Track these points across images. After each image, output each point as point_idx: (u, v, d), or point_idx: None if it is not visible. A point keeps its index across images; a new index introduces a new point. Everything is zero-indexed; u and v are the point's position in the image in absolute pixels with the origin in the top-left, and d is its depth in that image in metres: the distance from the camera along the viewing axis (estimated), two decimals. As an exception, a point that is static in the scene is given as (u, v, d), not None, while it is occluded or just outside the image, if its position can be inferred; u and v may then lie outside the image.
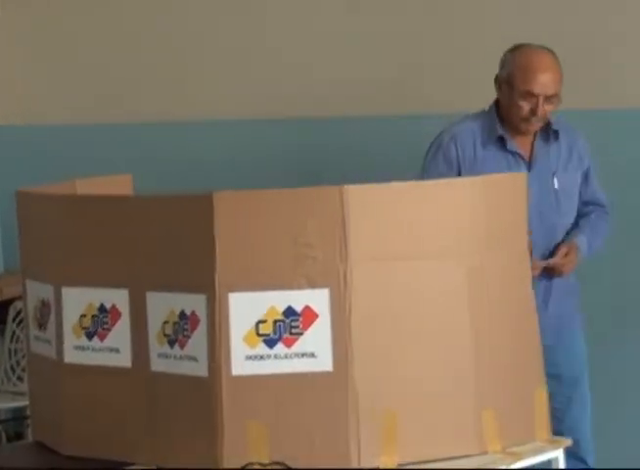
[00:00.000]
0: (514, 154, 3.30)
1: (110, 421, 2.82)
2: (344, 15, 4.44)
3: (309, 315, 2.55)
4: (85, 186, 3.23)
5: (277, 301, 2.54)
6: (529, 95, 3.23)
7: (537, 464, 2.66)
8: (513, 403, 2.60)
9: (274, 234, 2.55)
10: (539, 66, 3.27)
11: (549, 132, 3.34)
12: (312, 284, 2.52)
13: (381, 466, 2.51)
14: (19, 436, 3.70)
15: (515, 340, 2.64)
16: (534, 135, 3.34)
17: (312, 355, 2.55)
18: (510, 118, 3.30)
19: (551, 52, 3.31)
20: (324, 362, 2.54)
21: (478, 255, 2.59)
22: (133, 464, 2.76)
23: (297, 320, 2.53)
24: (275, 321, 2.54)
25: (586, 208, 3.47)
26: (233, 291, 2.56)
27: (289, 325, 2.54)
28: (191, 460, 2.62)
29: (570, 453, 3.07)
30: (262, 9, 4.51)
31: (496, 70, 3.45)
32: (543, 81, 3.25)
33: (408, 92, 4.37)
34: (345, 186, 2.51)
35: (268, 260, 2.56)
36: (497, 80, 3.30)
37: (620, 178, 3.94)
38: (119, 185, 3.37)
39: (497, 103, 3.34)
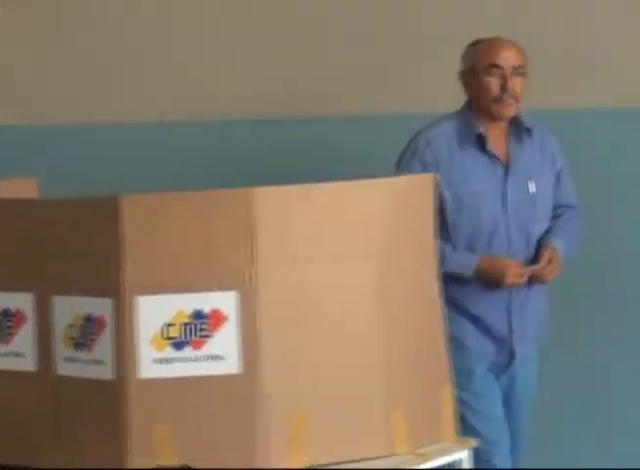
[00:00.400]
0: (491, 156, 3.24)
1: (14, 426, 2.80)
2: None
3: (217, 318, 2.56)
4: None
5: (185, 303, 2.56)
6: (495, 68, 3.22)
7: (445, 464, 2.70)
8: (421, 404, 2.64)
9: (182, 237, 2.56)
10: (500, 43, 3.27)
11: (521, 131, 3.29)
12: (220, 286, 2.53)
13: (289, 467, 2.54)
14: None
15: (421, 340, 2.69)
16: (507, 136, 3.29)
17: (220, 358, 2.56)
18: (482, 106, 3.26)
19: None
20: (232, 365, 2.56)
21: (385, 256, 2.62)
22: (33, 463, 2.75)
23: (206, 323, 2.55)
24: (183, 324, 2.55)
25: (559, 209, 3.40)
26: (140, 294, 2.57)
27: (197, 328, 2.55)
28: (98, 463, 2.63)
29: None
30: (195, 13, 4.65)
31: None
32: (506, 54, 3.23)
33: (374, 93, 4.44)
34: (254, 188, 2.53)
35: (176, 263, 2.57)
36: (462, 76, 3.29)
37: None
38: (24, 189, 3.34)
39: (469, 105, 3.32)
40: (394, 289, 2.61)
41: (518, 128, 3.28)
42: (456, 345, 2.99)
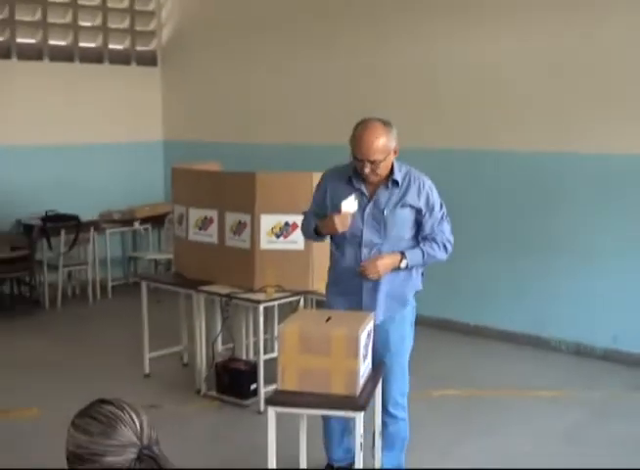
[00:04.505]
0: (357, 190, 3.75)
1: (205, 265, 5.13)
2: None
3: (294, 226, 4.86)
4: (199, 166, 5.61)
5: (282, 219, 4.87)
6: (357, 159, 3.66)
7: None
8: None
9: (284, 192, 4.77)
10: (360, 139, 3.64)
11: (389, 181, 3.76)
12: (297, 212, 4.64)
13: (322, 289, 4.40)
14: (169, 269, 5.95)
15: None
16: (384, 182, 3.75)
17: (295, 242, 4.88)
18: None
19: (380, 124, 3.67)
20: (300, 245, 4.88)
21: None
22: (212, 282, 4.99)
23: (289, 227, 4.87)
24: (280, 227, 4.87)
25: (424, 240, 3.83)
26: (262, 213, 4.87)
27: (285, 229, 4.88)
28: (240, 283, 4.85)
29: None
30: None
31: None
32: (362, 151, 3.62)
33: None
34: (313, 173, 4.74)
35: (280, 202, 4.81)
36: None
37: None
38: (213, 166, 5.76)
39: None
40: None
41: (387, 179, 3.73)
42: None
